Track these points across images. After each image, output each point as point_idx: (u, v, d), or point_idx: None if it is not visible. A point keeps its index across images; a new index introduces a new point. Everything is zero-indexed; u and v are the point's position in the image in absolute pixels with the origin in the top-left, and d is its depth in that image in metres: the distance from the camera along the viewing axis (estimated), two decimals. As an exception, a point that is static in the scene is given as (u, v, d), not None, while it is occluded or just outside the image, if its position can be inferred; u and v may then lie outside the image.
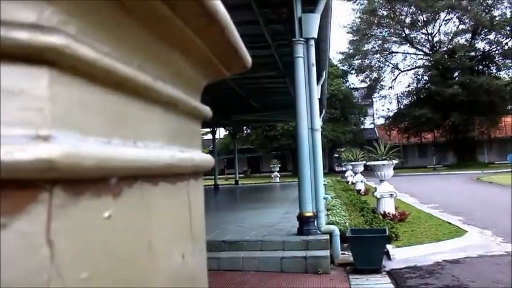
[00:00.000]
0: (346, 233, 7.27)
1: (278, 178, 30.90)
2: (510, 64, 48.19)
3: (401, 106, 51.59)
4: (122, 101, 0.47)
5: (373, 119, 56.13)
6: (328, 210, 10.68)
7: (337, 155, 45.30)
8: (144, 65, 0.51)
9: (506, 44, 47.90)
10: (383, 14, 50.19)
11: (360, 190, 19.44)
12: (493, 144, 49.72)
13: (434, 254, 7.96)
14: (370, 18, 49.62)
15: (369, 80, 53.12)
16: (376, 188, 11.86)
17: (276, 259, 7.05)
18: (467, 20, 47.78)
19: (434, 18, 49.73)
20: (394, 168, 11.94)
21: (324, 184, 15.14)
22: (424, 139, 50.91)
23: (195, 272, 0.68)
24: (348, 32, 51.96)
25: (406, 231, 9.74)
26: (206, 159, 0.72)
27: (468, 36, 49.23)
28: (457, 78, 46.46)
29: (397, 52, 53.37)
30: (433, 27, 50.91)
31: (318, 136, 8.12)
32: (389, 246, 7.93)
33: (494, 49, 48.70)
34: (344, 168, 29.69)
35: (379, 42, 52.05)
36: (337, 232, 7.60)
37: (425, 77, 50.55)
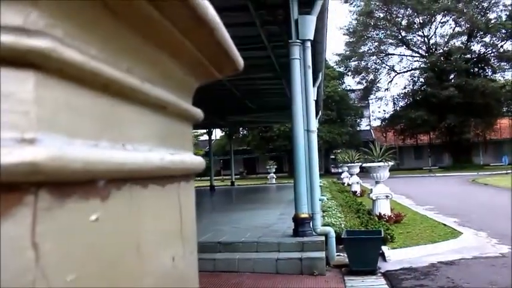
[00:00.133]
0: (342, 235, 7.28)
1: (274, 179, 30.89)
2: (505, 67, 48.40)
3: (398, 108, 51.76)
4: (110, 104, 0.47)
5: (369, 121, 56.22)
6: (323, 211, 10.68)
7: (333, 157, 45.42)
8: (133, 67, 0.51)
9: (502, 46, 48.19)
10: (379, 16, 50.34)
11: (356, 192, 19.46)
12: (488, 146, 49.90)
13: (430, 255, 7.98)
14: (367, 20, 49.76)
15: (365, 82, 53.26)
16: (371, 189, 11.89)
17: (272, 260, 7.05)
18: (463, 23, 48.00)
19: (431, 21, 49.93)
20: (389, 170, 11.97)
21: (320, 185, 15.16)
22: (420, 141, 51.05)
23: (185, 274, 0.68)
24: (344, 34, 52.17)
25: (401, 233, 9.77)
26: (197, 161, 0.72)
27: (464, 38, 49.45)
28: (452, 81, 46.65)
29: (394, 54, 53.60)
30: (429, 30, 51.17)
31: (314, 138, 8.12)
32: (384, 248, 7.94)
33: (490, 52, 48.94)
34: (340, 170, 29.77)
35: (376, 44, 52.21)
36: (332, 234, 7.60)
37: (422, 79, 50.73)
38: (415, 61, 53.42)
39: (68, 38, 0.39)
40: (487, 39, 48.38)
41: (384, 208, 11.29)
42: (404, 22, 50.63)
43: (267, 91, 18.79)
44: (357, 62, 52.52)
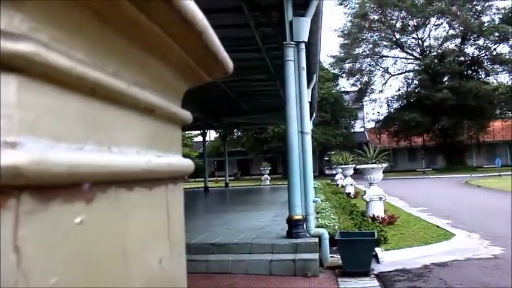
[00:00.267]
0: (335, 236, 7.29)
1: (268, 181, 30.88)
2: (498, 69, 48.71)
3: (392, 110, 51.91)
4: (96, 107, 0.47)
5: (364, 123, 56.37)
6: (317, 213, 10.69)
7: (327, 158, 45.48)
8: (120, 70, 0.51)
9: (495, 49, 48.47)
10: (374, 18, 50.50)
11: (350, 193, 19.49)
12: (482, 148, 50.19)
13: (423, 257, 8.00)
14: (361, 22, 49.91)
15: (360, 84, 53.41)
16: (365, 191, 11.92)
17: (265, 262, 7.04)
18: (456, 25, 48.26)
19: (425, 23, 50.17)
20: (383, 172, 12.00)
21: (314, 187, 15.18)
22: (414, 143, 51.25)
23: (173, 276, 0.68)
24: (339, 36, 52.29)
25: (395, 235, 9.79)
26: (186, 164, 0.72)
27: (458, 41, 49.71)
28: (446, 83, 46.89)
29: (388, 56, 53.78)
30: (424, 32, 51.41)
31: (308, 139, 8.13)
32: (378, 249, 7.95)
33: (483, 54, 49.22)
34: (334, 172, 29.80)
35: (370, 46, 52.36)
36: (326, 235, 7.61)
37: (416, 81, 50.92)
38: (409, 63, 53.70)
39: (53, 41, 0.39)
40: (481, 42, 48.69)
41: (377, 210, 11.32)
42: (398, 24, 50.85)
43: (262, 93, 18.80)
44: (351, 64, 52.67)
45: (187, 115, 0.75)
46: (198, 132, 30.59)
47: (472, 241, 9.33)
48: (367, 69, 53.57)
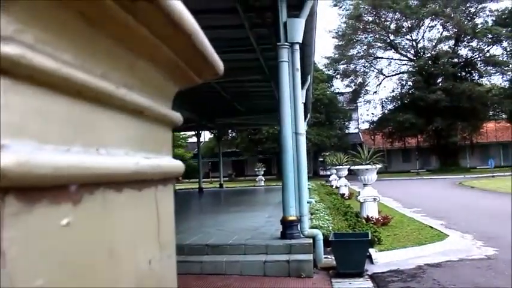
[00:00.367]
0: (329, 237, 7.30)
1: (263, 182, 30.86)
2: (492, 71, 49.00)
3: (386, 111, 52.06)
4: (83, 109, 0.47)
5: (358, 124, 56.50)
6: (311, 214, 10.71)
7: (321, 159, 45.53)
8: (108, 72, 0.51)
9: (488, 51, 48.74)
10: (368, 19, 50.63)
11: (344, 194, 19.51)
12: (475, 150, 50.45)
13: (416, 257, 8.03)
14: (356, 23, 50.02)
15: (354, 85, 53.52)
16: (359, 192, 11.94)
17: (259, 263, 7.04)
18: (450, 27, 48.49)
19: (419, 25, 50.37)
20: (378, 173, 12.03)
21: (308, 188, 15.19)
22: (408, 144, 51.41)
23: (163, 277, 0.68)
24: (333, 37, 52.37)
25: (388, 235, 9.82)
26: (175, 165, 0.73)
27: (451, 43, 49.95)
28: (440, 84, 47.08)
29: (382, 57, 53.93)
30: (418, 34, 51.61)
31: (302, 140, 8.14)
32: (372, 250, 7.97)
33: (477, 56, 49.49)
34: (328, 172, 29.82)
35: (364, 47, 52.49)
36: (320, 236, 7.62)
37: (410, 83, 51.10)
38: (403, 65, 53.89)
39: (39, 44, 0.39)
40: (474, 43, 48.96)
41: (371, 210, 11.35)
42: (392, 26, 51.01)
43: (256, 93, 18.81)
44: (345, 65, 52.77)
45: (177, 116, 0.75)
46: (193, 133, 30.58)
47: (466, 242, 9.37)
48: (362, 70, 53.74)
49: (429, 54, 49.83)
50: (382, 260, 7.81)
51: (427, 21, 49.63)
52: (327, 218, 10.16)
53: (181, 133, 43.98)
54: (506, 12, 46.69)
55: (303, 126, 8.46)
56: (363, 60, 53.02)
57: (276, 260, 7.05)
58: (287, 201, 7.62)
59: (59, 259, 0.43)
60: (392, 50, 53.05)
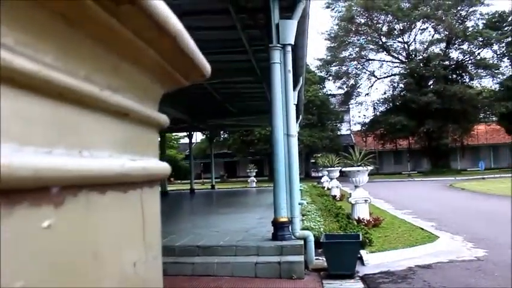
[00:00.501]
0: (321, 239, 7.31)
1: (254, 183, 30.87)
2: (482, 74, 49.39)
3: (378, 113, 52.26)
4: (66, 111, 0.47)
5: (350, 125, 56.66)
6: (303, 215, 10.73)
7: (313, 161, 45.64)
8: (92, 74, 0.51)
9: (479, 54, 49.16)
10: (360, 21, 50.83)
11: (336, 196, 19.57)
12: (466, 152, 50.80)
13: (407, 259, 8.07)
14: (348, 25, 50.22)
15: (346, 87, 53.72)
16: (351, 193, 11.98)
17: (250, 264, 7.04)
18: (442, 30, 48.86)
19: (411, 27, 50.67)
20: (369, 174, 12.08)
21: (300, 189, 15.21)
22: (400, 146, 51.65)
23: (148, 279, 0.68)
24: (325, 39, 52.53)
25: (379, 237, 9.86)
26: (161, 167, 0.73)
27: (443, 45, 50.32)
28: (431, 87, 47.40)
29: (374, 59, 54.19)
30: (409, 36, 51.94)
31: (294, 142, 8.15)
32: (363, 252, 8.00)
33: (467, 59, 49.88)
34: (320, 174, 29.90)
35: (357, 49, 52.71)
36: (311, 237, 7.63)
37: (401, 85, 51.39)
38: (395, 67, 54.18)
39: (19, 45, 0.39)
40: (465, 46, 49.37)
41: (362, 212, 11.39)
42: (384, 28, 51.28)
43: (248, 95, 18.83)
44: (337, 67, 52.93)
45: (164, 118, 0.75)
46: (185, 134, 30.47)
47: (456, 243, 9.44)
48: (354, 72, 53.97)
49: (421, 57, 50.15)
50: (373, 261, 7.84)
51: (418, 24, 50.01)
52: (318, 220, 10.18)
53: (173, 134, 43.88)
54: (497, 15, 47.16)
55: (294, 128, 8.47)
56: (355, 62, 53.26)
57: (267, 261, 7.05)
58: (278, 202, 7.63)
59: (40, 261, 0.42)
60: (384, 52, 53.33)
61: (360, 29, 50.94)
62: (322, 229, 8.96)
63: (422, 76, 47.49)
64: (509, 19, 46.95)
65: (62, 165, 0.44)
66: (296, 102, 12.25)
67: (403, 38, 52.01)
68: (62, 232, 0.46)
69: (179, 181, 46.36)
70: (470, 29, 47.60)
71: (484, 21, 47.96)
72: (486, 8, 48.29)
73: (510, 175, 32.42)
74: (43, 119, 0.44)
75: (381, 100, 53.26)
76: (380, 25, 51.08)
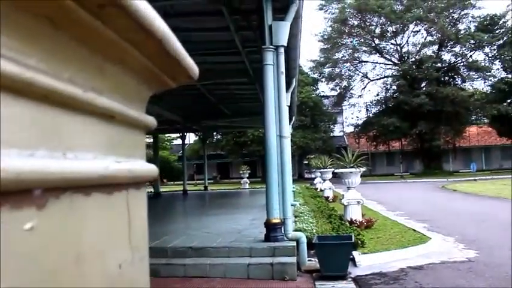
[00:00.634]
0: (313, 240, 7.32)
1: (247, 184, 30.85)
2: (474, 76, 49.73)
3: (370, 114, 52.45)
4: (49, 113, 0.47)
5: (343, 127, 56.81)
6: (296, 216, 10.74)
7: (306, 162, 45.72)
8: (76, 77, 0.51)
9: (471, 56, 49.48)
10: (354, 23, 51.03)
11: (328, 197, 19.60)
12: (458, 153, 51.11)
13: (399, 260, 8.10)
14: (341, 27, 50.38)
15: (339, 88, 53.85)
16: (343, 195, 12.00)
17: (243, 266, 7.04)
18: (434, 32, 49.14)
19: (403, 30, 50.92)
20: (362, 176, 12.11)
21: (293, 191, 15.23)
22: (392, 147, 51.86)
23: (134, 280, 0.68)
24: (319, 41, 52.67)
25: (372, 238, 9.89)
26: (148, 168, 0.72)
27: (435, 48, 50.62)
28: (424, 89, 47.66)
29: (367, 61, 54.39)
30: (402, 38, 52.19)
31: (287, 143, 8.15)
32: (355, 253, 8.02)
33: (460, 61, 50.17)
34: (313, 175, 29.93)
35: (350, 51, 52.87)
36: (304, 239, 7.64)
37: (394, 87, 51.59)
38: (387, 69, 54.41)
39: (3, 48, 0.39)
40: (457, 49, 49.67)
41: (355, 213, 11.42)
42: (377, 30, 51.49)
43: (241, 96, 18.83)
44: (331, 69, 53.08)
45: (151, 120, 0.75)
46: (178, 135, 30.42)
47: (448, 244, 9.48)
48: (347, 74, 54.12)
49: (413, 59, 50.41)
50: (365, 262, 7.86)
51: (411, 26, 50.26)
52: (311, 221, 10.19)
53: (166, 135, 43.78)
54: (488, 18, 47.50)
55: (287, 129, 8.48)
56: (348, 64, 53.41)
57: (260, 262, 7.05)
58: (271, 203, 7.63)
59: (23, 263, 0.42)
60: (377, 54, 53.56)
61: (353, 30, 51.12)
62: (314, 230, 8.97)
63: (415, 78, 47.72)
64: (501, 22, 47.34)
65: (45, 167, 0.44)
66: (289, 104, 12.27)
67: (395, 40, 52.28)
68: (45, 234, 0.46)
69: (172, 182, 46.29)
70: (462, 32, 47.94)
71: (476, 24, 48.32)
72: (478, 11, 48.62)
73: (501, 177, 32.65)
74: (25, 121, 0.43)
75: (374, 102, 53.48)
76: (373, 27, 51.30)
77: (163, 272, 7.09)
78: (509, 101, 46.39)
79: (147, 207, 0.75)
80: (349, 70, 54.06)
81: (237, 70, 13.73)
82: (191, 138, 46.21)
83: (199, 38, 11.32)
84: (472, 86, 50.67)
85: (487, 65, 48.98)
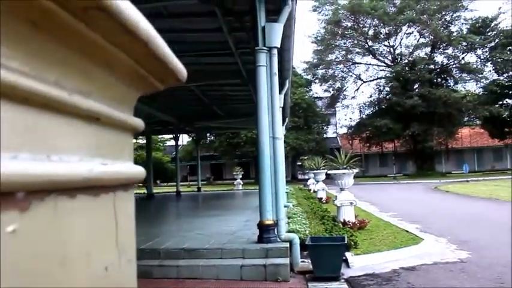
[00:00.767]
0: (306, 241, 7.33)
1: (241, 185, 30.85)
2: (466, 78, 50.06)
3: (363, 116, 52.65)
4: (33, 116, 0.47)
5: (336, 128, 56.97)
6: (289, 218, 10.75)
7: (300, 163, 45.79)
8: (62, 79, 0.51)
9: (463, 58, 49.85)
10: (347, 25, 51.22)
11: (322, 198, 19.64)
12: (450, 155, 51.41)
13: (392, 261, 8.14)
14: (335, 29, 50.54)
15: (332, 90, 54.01)
16: (336, 196, 12.03)
17: (236, 267, 7.03)
18: (427, 34, 49.42)
19: (396, 31, 51.19)
20: (355, 177, 12.14)
21: (286, 192, 15.25)
22: (385, 149, 52.07)
23: (121, 283, 0.68)
24: (312, 42, 52.85)
25: (365, 239, 9.92)
26: (136, 171, 0.72)
27: (428, 49, 50.92)
28: (417, 90, 47.90)
29: (360, 63, 54.63)
30: (395, 40, 52.49)
31: (280, 145, 8.16)
32: (348, 254, 8.04)
33: (452, 63, 50.51)
34: (306, 177, 29.99)
35: (343, 52, 53.06)
36: (297, 240, 7.65)
37: (387, 88, 51.82)
38: (380, 70, 54.68)
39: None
40: (450, 51, 50.00)
41: (348, 215, 11.45)
42: (371, 32, 51.71)
43: (235, 97, 18.82)
44: (324, 70, 53.22)
45: (138, 122, 0.75)
46: (171, 136, 30.35)
47: (440, 245, 9.53)
48: (340, 75, 54.32)
49: (406, 61, 50.68)
50: (358, 263, 7.88)
51: (404, 28, 50.53)
52: (304, 222, 10.21)
53: (159, 136, 43.67)
54: (480, 21, 47.84)
55: (280, 131, 8.49)
56: (342, 66, 53.62)
57: (253, 264, 7.05)
58: (264, 205, 7.63)
59: (5, 267, 0.42)
60: (370, 56, 53.80)
61: (346, 32, 51.31)
62: (307, 232, 8.99)
63: (408, 80, 47.96)
64: (492, 24, 47.70)
65: (28, 170, 0.44)
66: (282, 105, 12.28)
67: (389, 42, 52.54)
68: (28, 237, 0.46)
69: (165, 183, 46.20)
70: (454, 34, 48.25)
71: (468, 26, 48.67)
72: (470, 13, 48.98)
73: (493, 178, 32.88)
74: (7, 123, 0.43)
75: (367, 103, 53.72)
76: (366, 29, 51.52)
77: (156, 273, 7.07)
78: (501, 102, 46.78)
79: (134, 210, 0.75)
80: (342, 72, 54.30)
81: (230, 71, 13.73)
82: (184, 139, 46.13)
83: (192, 39, 11.31)
84: (465, 88, 51.08)
85: (479, 67, 49.35)
